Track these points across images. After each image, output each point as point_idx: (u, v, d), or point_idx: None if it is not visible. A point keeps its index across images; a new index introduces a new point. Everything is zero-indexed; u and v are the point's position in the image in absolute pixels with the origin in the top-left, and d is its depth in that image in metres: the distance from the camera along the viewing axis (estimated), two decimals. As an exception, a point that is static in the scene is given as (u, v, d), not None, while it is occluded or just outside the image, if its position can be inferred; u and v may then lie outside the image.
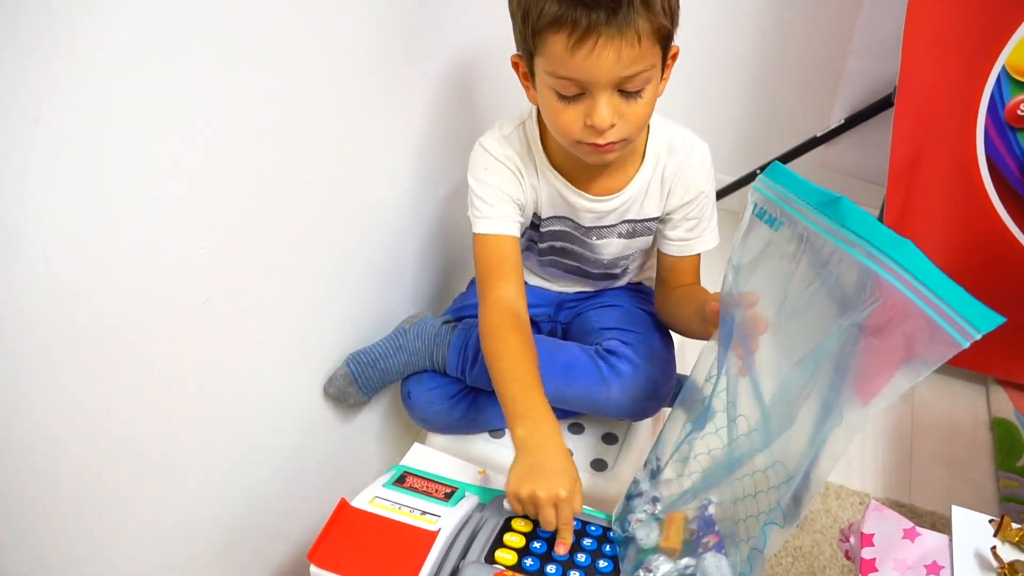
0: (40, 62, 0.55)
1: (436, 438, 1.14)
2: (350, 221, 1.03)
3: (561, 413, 1.14)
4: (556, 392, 1.05)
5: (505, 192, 1.02)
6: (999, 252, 1.29)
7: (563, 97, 0.87)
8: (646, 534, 0.77)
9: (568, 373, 1.04)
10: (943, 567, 0.74)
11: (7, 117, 0.54)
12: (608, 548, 0.80)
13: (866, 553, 0.77)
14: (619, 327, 1.11)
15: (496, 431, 1.15)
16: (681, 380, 1.08)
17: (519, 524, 0.80)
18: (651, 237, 1.10)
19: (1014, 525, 0.76)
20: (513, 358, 0.92)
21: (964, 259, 1.32)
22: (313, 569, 0.72)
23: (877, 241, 0.65)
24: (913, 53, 1.15)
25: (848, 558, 0.82)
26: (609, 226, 1.06)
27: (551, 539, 0.79)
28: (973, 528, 0.77)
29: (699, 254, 1.08)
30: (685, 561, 0.73)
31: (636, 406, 1.06)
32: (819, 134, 1.59)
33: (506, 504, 0.81)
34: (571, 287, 1.21)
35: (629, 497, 0.83)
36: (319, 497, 1.05)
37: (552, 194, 1.04)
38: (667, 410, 1.09)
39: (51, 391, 0.65)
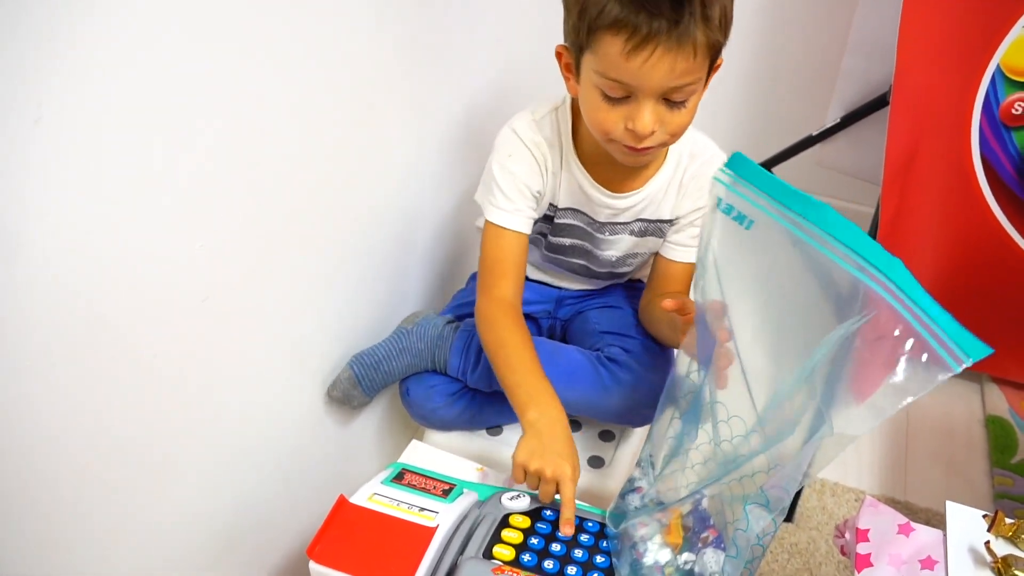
0: (40, 62, 0.56)
1: (434, 435, 1.14)
2: (350, 220, 1.03)
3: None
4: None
5: (526, 184, 1.02)
6: (994, 250, 1.30)
7: (608, 98, 0.87)
8: (645, 533, 0.78)
9: (570, 379, 1.04)
10: (937, 562, 0.75)
11: (7, 117, 0.55)
12: (605, 544, 0.80)
13: (861, 548, 0.77)
14: (620, 332, 1.11)
15: (494, 428, 1.15)
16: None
17: (517, 520, 0.80)
18: (661, 240, 1.10)
19: (1007, 520, 0.76)
20: (516, 346, 0.97)
21: (959, 257, 1.33)
22: (312, 565, 0.73)
23: (868, 255, 0.65)
24: (908, 52, 1.15)
25: (844, 554, 0.83)
26: (623, 223, 1.07)
27: (548, 535, 0.79)
28: (967, 523, 0.78)
29: (692, 263, 1.08)
30: (685, 556, 0.74)
31: (637, 412, 1.06)
32: (815, 133, 1.59)
33: (505, 496, 0.82)
34: (573, 284, 1.21)
35: (623, 494, 0.84)
36: (318, 494, 1.06)
37: (572, 185, 1.04)
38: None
39: (50, 390, 0.65)
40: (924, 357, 0.61)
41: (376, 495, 0.80)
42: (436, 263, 1.33)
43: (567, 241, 1.11)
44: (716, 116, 1.85)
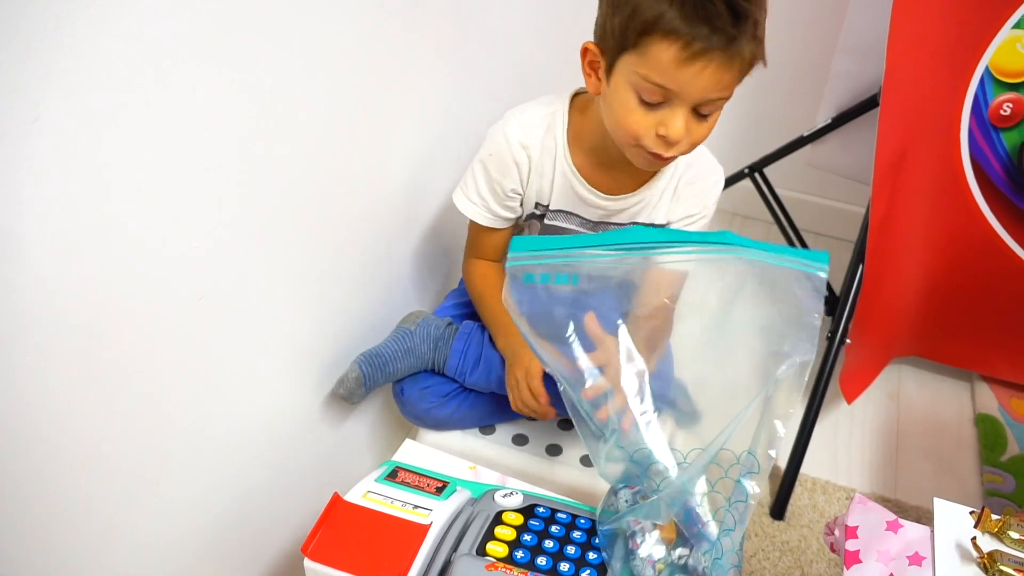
0: (39, 61, 0.56)
1: (427, 434, 1.15)
2: (346, 220, 1.04)
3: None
4: (555, 396, 1.07)
5: (501, 187, 1.04)
6: (983, 250, 1.31)
7: (643, 102, 0.87)
8: (638, 528, 0.78)
9: None
10: (925, 558, 0.75)
11: (5, 116, 0.55)
12: (597, 541, 0.81)
13: (850, 545, 0.78)
14: None
15: (487, 428, 1.16)
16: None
17: (510, 517, 0.81)
18: None
19: (993, 517, 0.77)
20: (493, 291, 1.10)
21: (948, 256, 1.34)
22: (307, 563, 0.73)
23: (699, 238, 0.77)
24: (898, 53, 1.16)
25: (833, 551, 0.84)
26: (617, 225, 1.08)
27: (542, 532, 0.80)
28: (954, 520, 0.79)
29: (682, 273, 1.09)
30: (679, 551, 0.75)
31: None
32: (806, 133, 1.60)
33: (499, 494, 0.82)
34: None
35: (615, 490, 0.84)
36: (312, 492, 1.06)
37: (564, 187, 1.05)
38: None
39: (46, 389, 0.65)
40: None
41: (370, 493, 0.81)
42: (432, 263, 1.33)
43: None
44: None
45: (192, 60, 0.70)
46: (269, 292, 0.91)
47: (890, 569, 0.75)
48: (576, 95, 1.04)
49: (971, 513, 0.79)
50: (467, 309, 1.19)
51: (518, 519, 0.81)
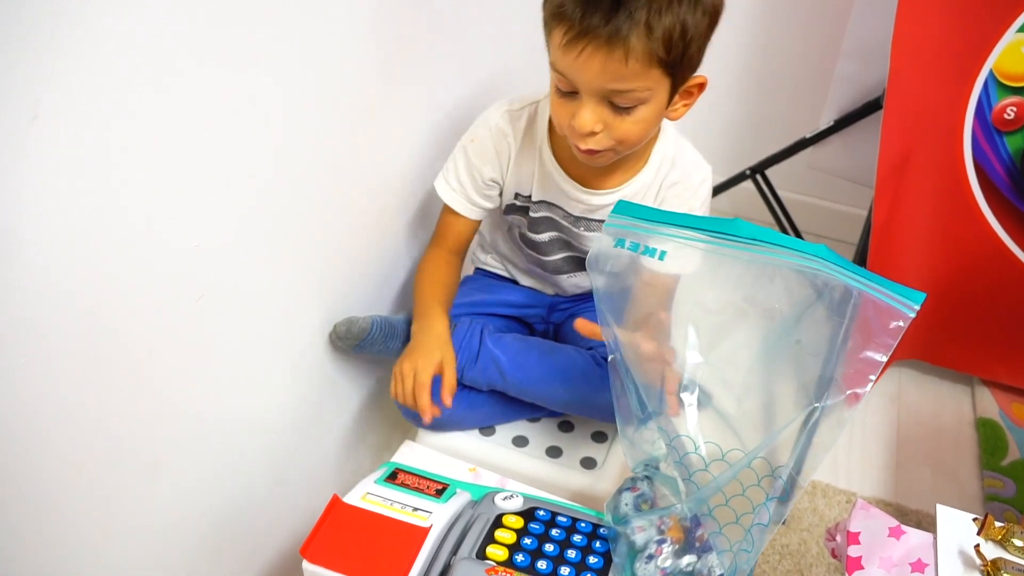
0: (38, 58, 0.56)
1: (427, 436, 1.14)
2: (345, 220, 1.03)
3: (551, 412, 1.15)
4: (553, 394, 1.07)
5: (480, 173, 1.05)
6: (985, 254, 1.31)
7: (560, 91, 0.88)
8: (644, 537, 0.78)
9: (566, 376, 1.04)
10: (927, 565, 0.75)
11: (4, 114, 0.55)
12: (598, 544, 0.80)
13: (852, 551, 0.78)
14: None
15: (487, 429, 1.15)
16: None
17: (510, 521, 0.81)
18: None
19: (997, 523, 0.77)
20: (432, 276, 1.09)
21: (951, 260, 1.34)
22: (305, 564, 0.73)
23: (794, 246, 0.72)
24: (902, 56, 1.16)
25: (834, 556, 0.83)
26: (599, 220, 1.07)
27: (542, 535, 0.79)
28: (957, 526, 0.78)
29: (673, 275, 1.09)
30: (687, 559, 0.74)
31: None
32: (808, 135, 1.60)
33: (499, 497, 0.82)
34: (566, 289, 1.21)
35: (621, 490, 0.84)
36: (311, 494, 1.06)
37: (544, 177, 1.05)
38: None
39: (45, 388, 0.65)
40: (880, 315, 0.69)
41: (370, 495, 0.80)
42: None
43: (545, 236, 1.12)
44: (710, 118, 1.86)
45: (192, 60, 0.69)
46: (269, 294, 0.91)
47: (892, 575, 0.75)
48: None
49: (974, 520, 0.78)
50: (467, 308, 1.18)
51: (518, 522, 0.81)
